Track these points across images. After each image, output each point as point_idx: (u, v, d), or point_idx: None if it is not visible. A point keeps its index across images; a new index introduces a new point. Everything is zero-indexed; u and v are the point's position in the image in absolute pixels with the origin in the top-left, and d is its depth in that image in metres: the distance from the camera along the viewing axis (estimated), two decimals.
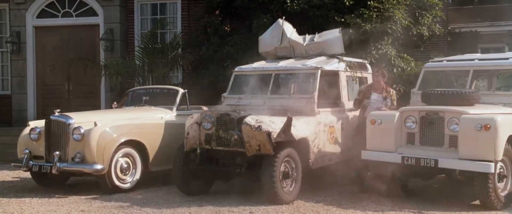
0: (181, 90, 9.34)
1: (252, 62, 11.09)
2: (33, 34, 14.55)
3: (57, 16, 14.45)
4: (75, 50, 14.35)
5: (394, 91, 8.34)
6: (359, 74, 8.95)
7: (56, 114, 8.21)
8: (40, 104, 14.67)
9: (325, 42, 8.67)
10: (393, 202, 7.19)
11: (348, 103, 8.48)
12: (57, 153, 7.82)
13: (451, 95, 7.25)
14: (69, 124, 7.99)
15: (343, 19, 10.62)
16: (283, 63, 8.37)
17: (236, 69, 8.69)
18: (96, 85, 14.43)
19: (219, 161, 7.46)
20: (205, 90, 11.59)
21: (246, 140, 6.98)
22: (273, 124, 7.00)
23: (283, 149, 7.05)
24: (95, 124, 7.81)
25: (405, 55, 11.25)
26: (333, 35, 8.77)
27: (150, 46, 12.10)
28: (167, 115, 8.92)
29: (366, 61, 9.40)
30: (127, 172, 8.13)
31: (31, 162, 8.12)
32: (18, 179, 9.59)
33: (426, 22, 11.07)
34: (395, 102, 8.15)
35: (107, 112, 9.05)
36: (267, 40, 9.11)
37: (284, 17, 9.04)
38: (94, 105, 14.31)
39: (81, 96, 14.45)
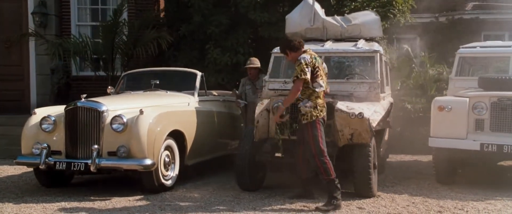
0: (199, 73, 8.31)
1: (237, 45, 10.40)
2: None
3: None
4: None
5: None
6: (387, 59, 8.76)
7: (83, 99, 6.78)
8: None
9: (363, 25, 8.23)
10: (467, 190, 7.03)
11: (387, 88, 8.22)
12: (96, 146, 6.46)
13: None
14: (102, 112, 6.64)
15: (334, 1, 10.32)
16: (331, 46, 7.78)
17: (275, 50, 7.88)
18: (23, 66, 12.49)
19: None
20: None
21: (339, 128, 6.35)
22: (365, 111, 6.46)
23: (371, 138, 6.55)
24: (141, 112, 6.57)
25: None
26: (371, 17, 8.39)
27: (116, 22, 10.59)
28: (191, 100, 7.87)
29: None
30: (168, 167, 7.01)
31: (51, 158, 6.62)
32: None
33: (406, 9, 11.14)
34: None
35: (128, 97, 7.67)
36: (296, 20, 8.40)
37: None
38: (20, 90, 12.48)
39: (2, 79, 12.36)
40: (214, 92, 8.78)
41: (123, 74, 8.67)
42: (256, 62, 8.80)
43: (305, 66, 6.02)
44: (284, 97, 6.68)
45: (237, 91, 8.91)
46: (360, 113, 6.25)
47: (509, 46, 8.23)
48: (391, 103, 8.34)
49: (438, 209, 6.04)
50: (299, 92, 6.05)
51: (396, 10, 10.29)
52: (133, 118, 6.57)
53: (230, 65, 10.33)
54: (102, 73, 11.14)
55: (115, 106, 6.81)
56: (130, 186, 7.16)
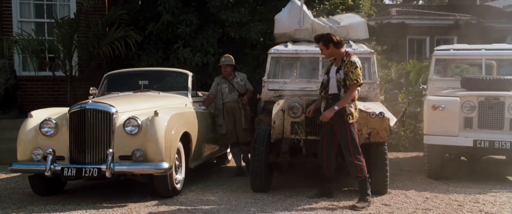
0: (190, 73, 8.09)
1: (207, 45, 10.28)
2: None
3: None
4: None
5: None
6: None
7: (90, 101, 6.36)
8: None
9: (350, 27, 8.45)
10: (460, 184, 7.39)
11: None
12: (110, 150, 6.08)
13: (500, 81, 7.80)
14: (113, 114, 6.27)
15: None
16: None
17: (272, 51, 7.86)
18: None
19: (309, 152, 6.70)
20: None
21: (358, 127, 6.46)
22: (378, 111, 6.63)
23: None
24: (156, 114, 6.28)
25: None
26: (357, 19, 8.62)
27: (77, 20, 10.00)
28: (187, 101, 7.65)
29: None
30: (177, 170, 6.76)
31: (56, 164, 6.14)
32: None
33: (373, 12, 11.54)
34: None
35: (128, 98, 7.23)
36: (285, 20, 8.46)
37: None
38: None
39: None
40: (200, 94, 8.57)
41: (105, 74, 8.22)
42: (230, 60, 8.50)
43: (360, 71, 6.08)
44: (299, 97, 6.73)
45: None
46: (381, 113, 6.42)
47: (480, 49, 8.78)
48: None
49: (455, 202, 6.33)
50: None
51: (363, 13, 10.63)
52: (147, 120, 6.27)
53: (200, 65, 10.14)
54: (60, 73, 10.50)
55: (124, 107, 6.46)
56: (128, 189, 6.87)
